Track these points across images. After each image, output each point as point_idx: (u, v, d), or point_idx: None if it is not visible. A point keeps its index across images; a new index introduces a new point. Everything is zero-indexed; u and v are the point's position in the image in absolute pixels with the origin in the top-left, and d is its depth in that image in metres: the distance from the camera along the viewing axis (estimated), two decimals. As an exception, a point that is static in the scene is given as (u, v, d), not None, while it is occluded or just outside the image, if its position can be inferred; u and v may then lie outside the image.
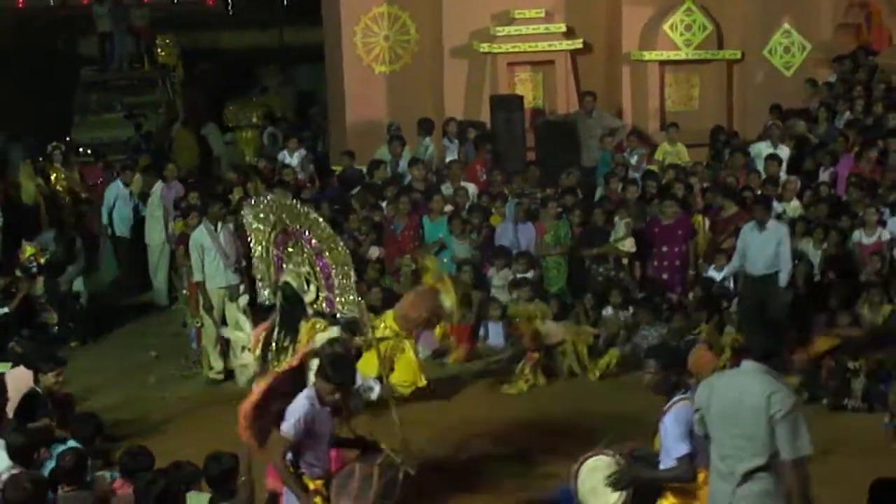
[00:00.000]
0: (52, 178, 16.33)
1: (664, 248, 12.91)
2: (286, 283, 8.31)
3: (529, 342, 11.59)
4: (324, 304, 8.26)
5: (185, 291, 13.15)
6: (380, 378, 9.35)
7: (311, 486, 7.07)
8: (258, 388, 7.55)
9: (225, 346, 11.39)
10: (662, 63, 16.94)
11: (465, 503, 8.87)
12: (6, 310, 12.80)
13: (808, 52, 17.10)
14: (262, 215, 8.46)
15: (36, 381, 9.07)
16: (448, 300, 10.53)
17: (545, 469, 9.08)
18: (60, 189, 16.24)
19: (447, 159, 15.30)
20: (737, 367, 6.28)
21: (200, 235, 12.10)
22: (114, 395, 11.66)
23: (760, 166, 14.13)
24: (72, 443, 7.67)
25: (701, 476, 6.24)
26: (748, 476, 5.88)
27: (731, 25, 17.03)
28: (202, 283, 12.00)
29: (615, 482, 6.41)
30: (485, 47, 16.63)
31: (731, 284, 12.53)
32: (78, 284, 13.75)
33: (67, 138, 19.07)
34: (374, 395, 10.20)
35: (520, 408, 10.95)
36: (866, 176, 13.44)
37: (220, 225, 12.09)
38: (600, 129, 15.86)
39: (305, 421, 6.87)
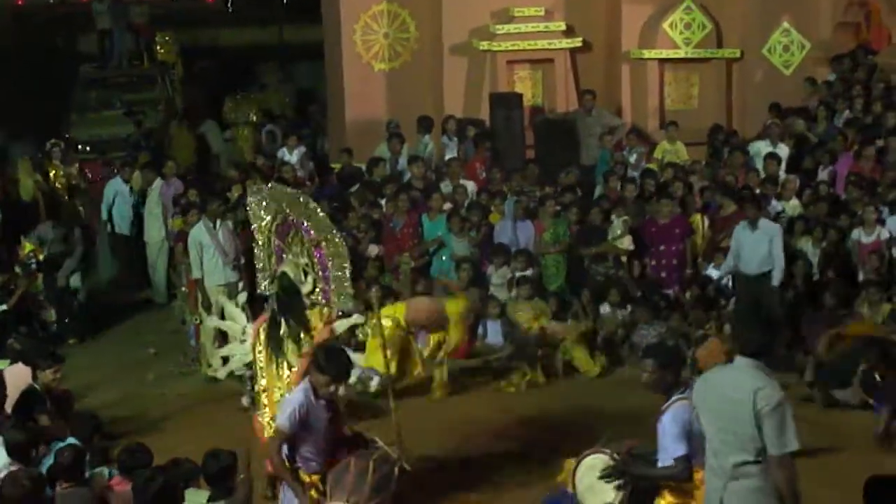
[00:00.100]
0: (51, 174, 16.33)
1: (661, 248, 12.93)
2: (283, 273, 8.31)
3: (537, 341, 11.58)
4: (320, 296, 8.25)
5: (183, 289, 13.15)
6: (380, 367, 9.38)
7: (307, 479, 7.08)
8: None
9: (222, 341, 11.39)
10: (662, 61, 16.93)
11: (465, 501, 8.86)
12: (5, 307, 12.79)
13: (807, 51, 17.10)
14: (265, 203, 8.45)
15: (34, 377, 9.07)
16: (455, 334, 10.71)
17: (544, 467, 9.05)
18: (59, 186, 16.24)
19: (446, 157, 15.30)
20: (730, 364, 6.29)
21: (199, 233, 12.10)
22: (112, 391, 11.66)
23: (760, 165, 14.13)
24: (71, 440, 7.67)
25: (698, 476, 6.24)
26: (738, 471, 5.91)
27: (731, 24, 17.02)
28: (201, 281, 12.00)
29: (608, 476, 6.42)
30: (484, 45, 16.62)
31: (730, 283, 12.53)
32: (75, 281, 13.75)
33: (66, 136, 19.04)
34: (373, 385, 10.23)
35: (519, 406, 10.95)
36: (865, 175, 13.44)
37: (218, 222, 12.10)
38: (600, 128, 15.86)
39: (300, 413, 6.89)
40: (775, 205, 13.29)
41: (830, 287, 12.02)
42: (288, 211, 8.28)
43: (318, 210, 8.31)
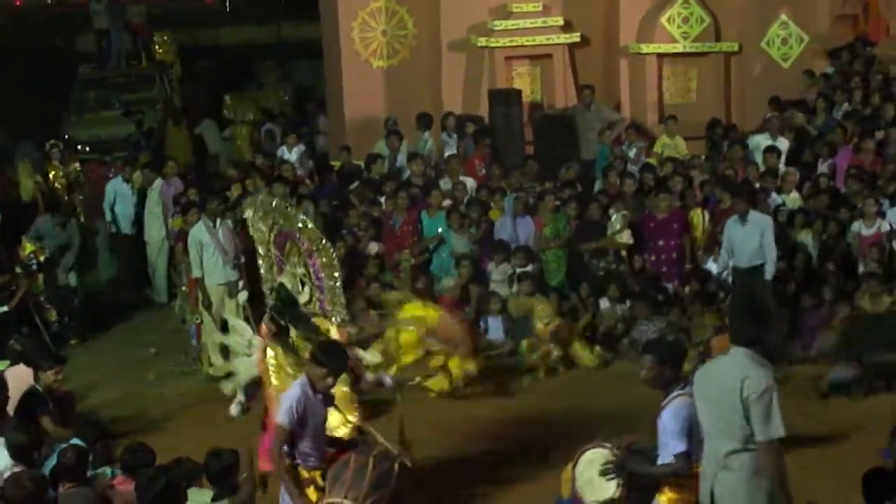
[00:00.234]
0: (51, 175, 16.33)
1: (660, 242, 12.93)
2: (281, 284, 8.38)
3: (552, 339, 11.62)
4: (317, 306, 8.31)
5: (184, 288, 13.15)
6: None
7: (306, 475, 7.09)
8: None
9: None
10: (660, 56, 16.93)
11: (465, 498, 8.88)
12: (6, 308, 12.79)
13: (805, 44, 17.10)
14: (261, 214, 8.52)
15: (36, 379, 9.07)
16: (468, 365, 10.68)
17: (544, 464, 9.09)
18: (59, 186, 16.24)
19: (446, 154, 15.29)
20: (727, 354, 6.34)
21: (199, 232, 12.10)
22: (113, 391, 11.68)
23: (759, 158, 14.13)
24: (74, 440, 7.68)
25: (699, 470, 6.26)
26: (729, 460, 5.97)
27: (729, 18, 17.02)
28: (201, 280, 12.00)
29: (608, 471, 6.44)
30: (482, 41, 16.62)
31: (731, 278, 12.53)
32: (72, 280, 13.76)
33: (65, 136, 19.05)
34: (387, 382, 10.26)
35: (519, 403, 10.97)
36: (865, 167, 13.44)
37: (218, 221, 12.09)
38: (599, 123, 15.86)
39: (298, 408, 6.91)
40: (775, 198, 13.29)
41: (829, 280, 12.03)
42: (281, 222, 8.36)
43: (309, 222, 8.39)
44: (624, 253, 13.07)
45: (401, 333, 10.43)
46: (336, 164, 15.92)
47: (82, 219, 15.87)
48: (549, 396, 11.14)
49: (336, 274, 8.34)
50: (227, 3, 28.54)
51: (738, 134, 15.65)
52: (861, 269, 12.25)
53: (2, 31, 25.04)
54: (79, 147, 18.94)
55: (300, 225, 8.39)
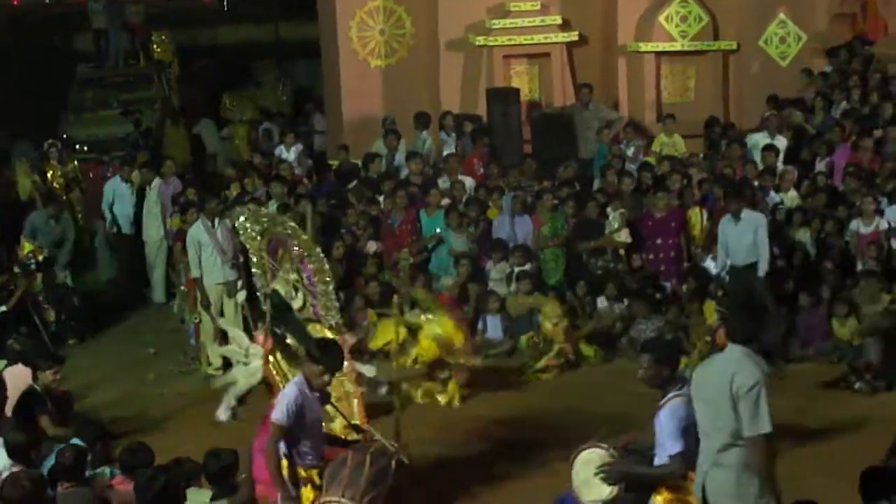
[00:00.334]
0: (49, 174, 16.32)
1: (658, 241, 12.93)
2: (274, 290, 8.41)
3: (563, 337, 11.66)
4: (311, 311, 8.34)
5: (182, 288, 13.15)
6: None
7: (304, 474, 7.09)
8: None
9: (223, 340, 11.39)
10: (658, 54, 16.93)
11: (463, 496, 8.88)
12: (4, 308, 12.78)
13: (803, 43, 17.10)
14: (252, 220, 8.57)
15: (34, 378, 9.07)
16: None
17: (542, 462, 9.11)
18: (57, 186, 16.23)
19: (444, 153, 15.29)
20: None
21: (198, 232, 12.10)
22: (112, 391, 11.67)
23: (757, 157, 14.13)
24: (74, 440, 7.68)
25: (691, 473, 6.27)
26: (720, 456, 6.02)
27: (727, 16, 17.02)
28: (200, 280, 12.00)
29: (604, 476, 6.46)
30: (480, 40, 16.62)
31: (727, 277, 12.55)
32: (68, 279, 13.76)
33: (64, 135, 19.04)
34: (382, 391, 10.29)
35: (518, 400, 10.97)
36: (863, 165, 13.44)
37: (217, 221, 12.09)
38: (597, 122, 15.85)
39: (295, 406, 6.92)
40: (773, 196, 13.30)
41: (827, 278, 12.04)
42: (272, 229, 8.40)
43: (297, 227, 8.45)
44: (622, 252, 13.08)
45: (423, 340, 10.49)
46: (334, 163, 15.93)
47: (80, 217, 15.89)
48: (547, 395, 11.14)
49: (328, 279, 8.43)
50: (225, 3, 28.54)
51: (736, 132, 15.65)
52: (859, 267, 12.25)
53: (0, 30, 25.03)
54: (77, 146, 18.93)
55: (290, 231, 8.45)
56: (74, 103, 20.92)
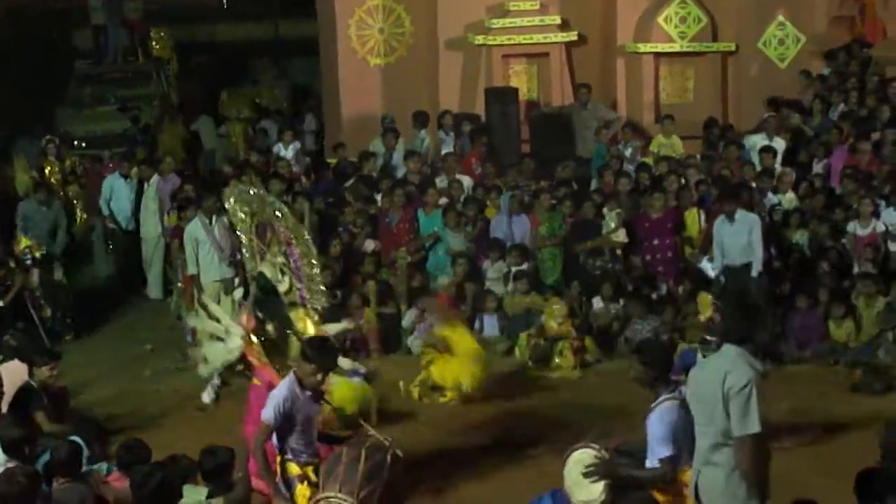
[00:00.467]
0: (47, 170, 16.30)
1: (655, 242, 12.94)
2: (261, 273, 8.39)
3: (566, 330, 11.71)
4: (297, 295, 8.33)
5: (179, 284, 13.14)
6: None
7: (299, 471, 7.09)
8: None
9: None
10: (657, 55, 16.94)
11: (458, 491, 8.89)
12: (1, 303, 12.77)
13: (802, 45, 17.11)
14: (241, 202, 8.56)
15: (30, 374, 9.07)
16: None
17: (537, 460, 9.12)
18: (54, 181, 16.22)
19: (443, 152, 15.29)
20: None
21: (195, 229, 12.10)
22: (108, 388, 11.65)
23: (755, 159, 14.14)
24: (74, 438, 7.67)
25: (686, 475, 6.28)
26: (711, 455, 6.04)
27: (726, 18, 17.03)
28: (197, 277, 11.99)
29: (590, 473, 6.47)
30: (480, 39, 16.62)
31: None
32: (59, 274, 13.75)
33: (62, 131, 19.03)
34: (356, 380, 10.25)
35: (515, 399, 10.96)
36: (861, 168, 13.46)
37: (214, 218, 12.08)
38: (595, 122, 15.86)
39: (284, 406, 6.92)
40: (771, 198, 13.31)
41: (824, 280, 12.06)
42: (260, 211, 8.39)
43: (285, 209, 8.46)
44: (619, 252, 13.08)
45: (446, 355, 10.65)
46: (332, 161, 15.93)
47: (80, 213, 15.89)
48: (544, 394, 11.14)
49: (314, 261, 8.39)
50: (224, 0, 28.52)
51: (734, 134, 15.65)
52: (856, 269, 12.27)
53: (-1, 25, 25.03)
54: (75, 142, 18.92)
55: (278, 214, 8.44)
56: (73, 99, 20.91)
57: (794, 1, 17.09)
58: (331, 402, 8.19)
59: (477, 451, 9.61)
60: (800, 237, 12.71)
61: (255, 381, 8.39)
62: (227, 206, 8.98)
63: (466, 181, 14.28)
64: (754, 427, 5.93)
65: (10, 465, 6.89)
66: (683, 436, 6.25)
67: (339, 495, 6.89)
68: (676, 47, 16.90)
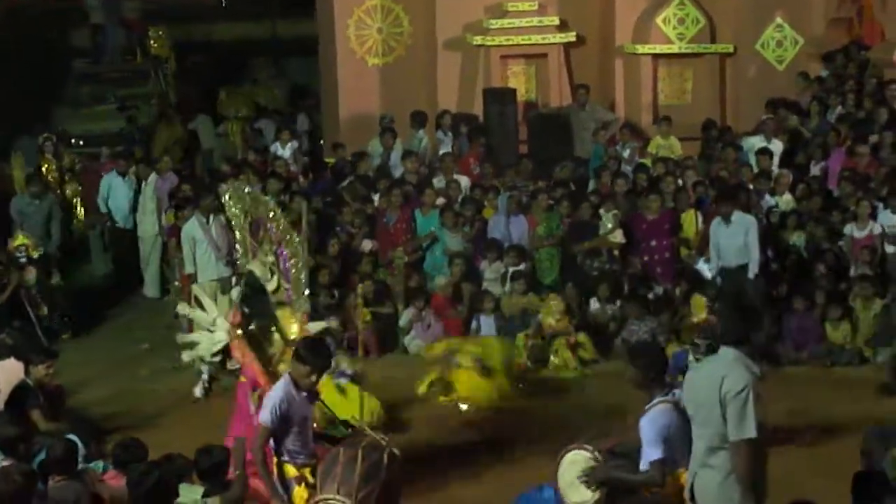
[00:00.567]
0: (44, 168, 16.29)
1: (652, 243, 12.94)
2: (250, 271, 8.41)
3: (564, 328, 11.75)
4: (284, 294, 8.36)
5: (177, 283, 13.13)
6: None
7: (296, 472, 7.08)
8: None
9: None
10: (655, 56, 16.93)
11: (457, 494, 8.89)
12: (-3, 302, 12.76)
13: (800, 47, 17.11)
14: (235, 198, 8.59)
15: (27, 373, 9.06)
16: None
17: (533, 460, 9.11)
18: (52, 180, 16.20)
19: (440, 152, 15.29)
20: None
21: (192, 227, 12.10)
22: (105, 387, 11.65)
23: (753, 160, 14.15)
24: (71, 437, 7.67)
25: (683, 477, 6.29)
26: (707, 458, 6.04)
27: (724, 19, 17.03)
28: (194, 276, 11.98)
29: (586, 481, 6.48)
30: (478, 40, 16.62)
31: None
32: (57, 279, 13.74)
33: (60, 130, 19.00)
34: (343, 381, 10.27)
35: (512, 399, 10.96)
36: (858, 170, 13.46)
37: (211, 217, 12.08)
38: (593, 122, 15.86)
39: (280, 408, 6.92)
40: (768, 200, 13.31)
41: (821, 282, 12.06)
42: (255, 210, 8.41)
43: (278, 210, 8.48)
44: (616, 253, 13.09)
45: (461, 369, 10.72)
46: (330, 160, 15.92)
47: (79, 210, 15.88)
48: (541, 395, 11.15)
49: (301, 265, 8.43)
50: (223, -1, 28.50)
51: (732, 136, 15.66)
52: (853, 271, 12.28)
53: (-3, 24, 24.98)
54: (72, 141, 18.90)
55: (271, 213, 8.46)
56: (71, 98, 20.89)
57: (793, 3, 17.09)
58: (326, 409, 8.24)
59: (473, 451, 9.62)
60: (797, 239, 12.72)
61: (241, 378, 8.41)
62: (222, 200, 9.00)
63: (464, 181, 14.28)
64: (750, 432, 5.92)
65: (6, 463, 6.90)
66: (678, 438, 6.25)
67: (338, 497, 6.89)
68: (675, 48, 16.89)
